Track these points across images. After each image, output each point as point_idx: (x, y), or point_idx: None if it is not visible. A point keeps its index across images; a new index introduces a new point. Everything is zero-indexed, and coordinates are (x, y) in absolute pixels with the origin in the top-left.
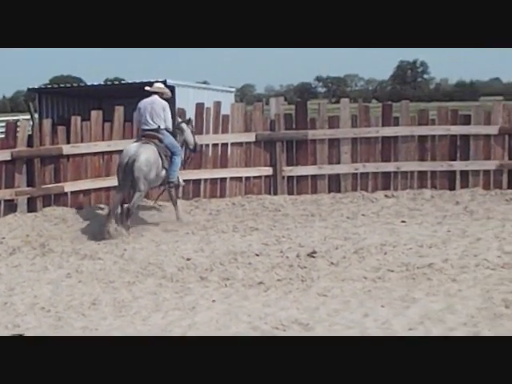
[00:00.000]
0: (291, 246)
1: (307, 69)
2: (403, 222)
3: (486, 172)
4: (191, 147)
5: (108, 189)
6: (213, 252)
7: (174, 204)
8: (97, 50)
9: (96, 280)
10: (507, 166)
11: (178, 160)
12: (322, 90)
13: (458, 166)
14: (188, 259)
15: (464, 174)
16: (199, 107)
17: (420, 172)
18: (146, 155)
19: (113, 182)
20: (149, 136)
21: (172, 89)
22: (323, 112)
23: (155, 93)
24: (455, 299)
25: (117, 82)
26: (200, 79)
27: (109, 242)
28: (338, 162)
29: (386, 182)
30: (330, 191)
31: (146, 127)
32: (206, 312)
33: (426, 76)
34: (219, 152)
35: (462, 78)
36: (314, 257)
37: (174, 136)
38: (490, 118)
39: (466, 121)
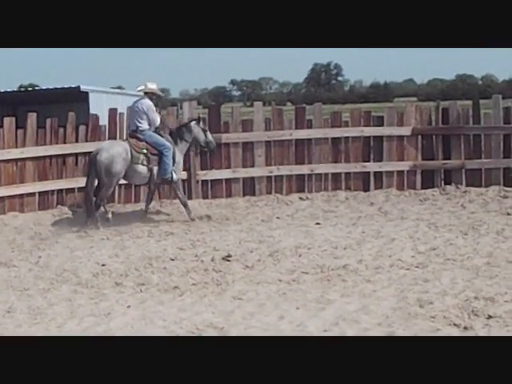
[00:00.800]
0: (206, 250)
1: (222, 73)
2: (318, 224)
3: (400, 173)
4: (203, 145)
5: (22, 196)
6: (128, 257)
7: (182, 204)
8: (10, 56)
9: (11, 288)
10: (420, 167)
11: (167, 157)
12: (236, 93)
13: (372, 167)
14: (103, 265)
15: (378, 175)
16: (112, 113)
17: (334, 174)
18: (108, 149)
19: (26, 188)
20: (130, 136)
21: (85, 95)
22: (237, 115)
23: (146, 93)
24: (370, 300)
25: (30, 89)
26: (115, 84)
27: (23, 250)
28: (252, 166)
29: (300, 184)
30: (244, 194)
31: (130, 128)
32: (121, 317)
33: (340, 78)
34: None
35: (377, 79)
36: (228, 260)
37: (162, 135)
38: (403, 119)
39: (379, 122)
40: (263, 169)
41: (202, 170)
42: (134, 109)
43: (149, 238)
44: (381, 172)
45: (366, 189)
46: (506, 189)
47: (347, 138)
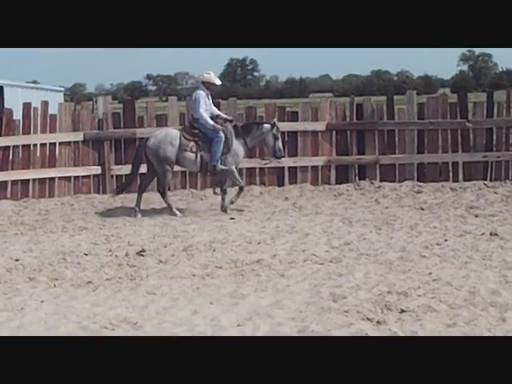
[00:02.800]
0: (120, 245)
1: (138, 67)
2: (232, 218)
3: (314, 168)
4: (270, 150)
5: None
6: (41, 252)
7: (222, 192)
8: None
9: None
10: (335, 162)
11: (217, 146)
12: (152, 88)
13: (287, 162)
14: (16, 260)
15: (292, 170)
16: (26, 107)
17: (249, 169)
18: (156, 136)
19: None
20: (188, 124)
21: (0, 89)
22: (151, 110)
23: (203, 83)
24: (283, 294)
25: None
26: (30, 79)
27: None
28: None
29: (213, 179)
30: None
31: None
32: (34, 313)
33: (256, 73)
34: (47, 152)
35: (292, 75)
36: (142, 255)
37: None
38: (318, 115)
39: (294, 117)
40: None
41: (116, 164)
42: (191, 98)
43: (63, 233)
44: (295, 167)
45: (281, 184)
46: (420, 184)
47: None
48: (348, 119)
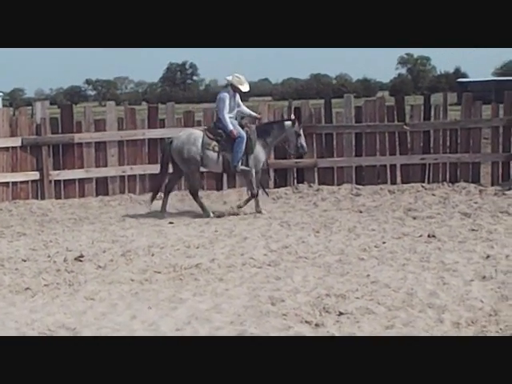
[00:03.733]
0: (59, 251)
1: (77, 72)
2: (171, 223)
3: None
4: (292, 147)
5: None
6: None
7: (248, 193)
8: None
9: None
10: (273, 166)
11: (238, 146)
12: (92, 93)
13: None
14: None
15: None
16: None
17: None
18: (179, 137)
19: None
20: (214, 124)
21: None
22: (89, 115)
23: (231, 85)
24: (222, 298)
25: None
26: None
27: None
28: (106, 165)
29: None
30: (97, 194)
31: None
32: None
33: (195, 78)
34: None
35: None
36: (81, 261)
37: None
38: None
39: None
40: (116, 168)
41: (54, 170)
42: (216, 99)
43: (0, 239)
44: None
45: (220, 188)
46: (358, 187)
47: None
48: None
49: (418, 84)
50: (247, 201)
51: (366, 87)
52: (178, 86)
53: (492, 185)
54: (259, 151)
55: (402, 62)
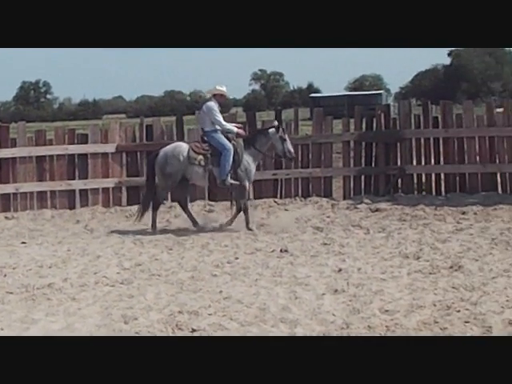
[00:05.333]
0: None
1: None
2: (23, 243)
3: (105, 190)
4: (280, 154)
5: None
6: None
7: (240, 210)
8: None
9: None
10: (125, 183)
11: (225, 159)
12: None
13: (77, 184)
14: None
15: (83, 192)
16: None
17: (40, 192)
18: (165, 151)
19: None
20: (200, 137)
21: None
22: None
23: (214, 95)
24: (75, 318)
25: None
26: None
27: None
28: None
29: (5, 203)
30: None
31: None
32: None
33: (49, 96)
34: None
35: (86, 96)
36: None
37: (228, 138)
38: (108, 137)
39: (84, 140)
40: None
41: None
42: (201, 111)
43: None
44: (86, 189)
45: (72, 207)
46: (211, 203)
47: (52, 156)
48: (138, 140)
49: (272, 99)
50: (235, 216)
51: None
52: (32, 104)
53: (344, 199)
54: (249, 162)
55: (256, 77)
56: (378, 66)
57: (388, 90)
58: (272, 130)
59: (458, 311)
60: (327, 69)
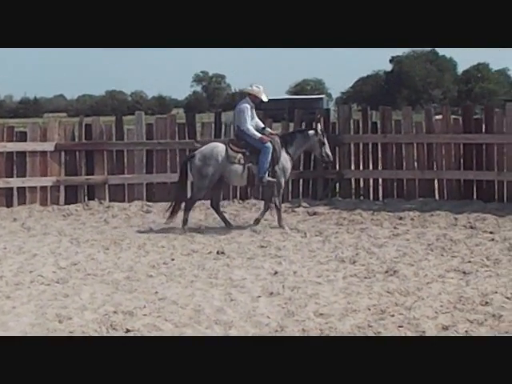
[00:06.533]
0: None
1: None
2: None
3: (43, 188)
4: (318, 157)
5: None
6: None
7: (266, 206)
8: None
9: None
10: (64, 182)
11: (264, 157)
12: None
13: (15, 182)
14: None
15: (21, 190)
16: None
17: None
18: (202, 151)
19: None
20: (235, 136)
21: None
22: None
23: (250, 95)
24: (9, 316)
25: None
26: None
27: None
28: None
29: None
30: None
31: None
32: None
33: None
34: None
35: (27, 94)
36: None
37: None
38: (47, 135)
39: (23, 137)
40: None
41: None
42: (235, 110)
43: None
44: (24, 187)
45: (10, 204)
46: (149, 204)
47: None
48: (77, 139)
49: (213, 102)
50: (263, 214)
51: (161, 104)
52: None
53: (282, 202)
54: (286, 160)
55: (198, 79)
56: (319, 70)
57: (329, 95)
58: (311, 132)
59: (392, 316)
60: (269, 72)
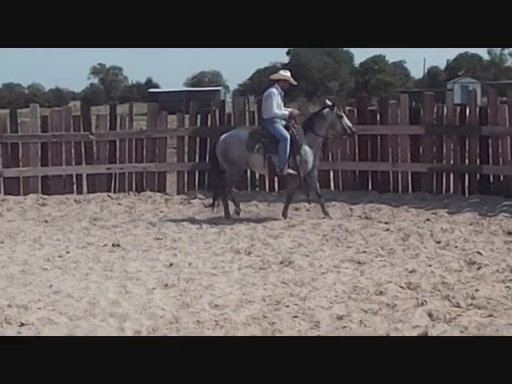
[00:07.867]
0: None
1: None
2: None
3: None
4: (340, 132)
5: None
6: None
7: (287, 198)
8: None
9: None
10: None
11: (282, 147)
12: None
13: None
14: None
15: None
16: None
17: None
18: (225, 137)
19: None
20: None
21: None
22: None
23: (278, 81)
24: None
25: None
26: None
27: None
28: None
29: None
30: None
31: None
32: None
33: None
34: None
35: None
36: None
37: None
38: None
39: None
40: None
41: None
42: (263, 97)
43: None
44: None
45: None
46: (44, 196)
47: None
48: None
49: (111, 94)
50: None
51: (59, 97)
52: None
53: (178, 194)
54: (306, 152)
55: (95, 71)
56: (217, 63)
57: (227, 87)
58: (327, 110)
59: (287, 306)
60: (166, 65)
